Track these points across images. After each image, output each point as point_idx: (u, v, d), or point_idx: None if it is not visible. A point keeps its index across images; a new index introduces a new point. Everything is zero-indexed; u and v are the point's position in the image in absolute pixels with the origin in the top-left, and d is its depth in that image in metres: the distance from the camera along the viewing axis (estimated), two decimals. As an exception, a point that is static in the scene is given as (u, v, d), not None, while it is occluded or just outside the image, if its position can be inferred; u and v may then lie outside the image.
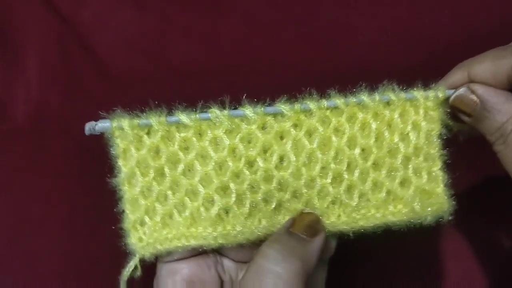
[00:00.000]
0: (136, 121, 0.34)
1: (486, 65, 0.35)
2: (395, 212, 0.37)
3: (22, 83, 0.55)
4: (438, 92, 0.37)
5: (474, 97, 0.36)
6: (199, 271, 0.38)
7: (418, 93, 0.37)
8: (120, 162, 0.35)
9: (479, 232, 0.51)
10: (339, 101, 0.36)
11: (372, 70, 0.54)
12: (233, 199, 0.35)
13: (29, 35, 0.56)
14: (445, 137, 0.39)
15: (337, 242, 0.40)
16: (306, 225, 0.37)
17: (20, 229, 0.51)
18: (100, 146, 0.50)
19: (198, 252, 0.38)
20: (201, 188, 0.35)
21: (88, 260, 0.51)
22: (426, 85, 0.38)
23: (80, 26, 0.57)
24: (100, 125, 0.34)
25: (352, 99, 0.36)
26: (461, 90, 0.37)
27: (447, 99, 0.37)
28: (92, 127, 0.34)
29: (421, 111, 0.37)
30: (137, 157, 0.35)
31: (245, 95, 0.36)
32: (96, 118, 0.50)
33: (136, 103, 0.49)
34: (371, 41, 0.55)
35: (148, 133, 0.35)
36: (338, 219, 0.37)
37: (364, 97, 0.36)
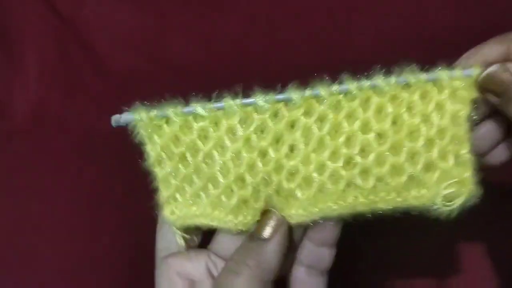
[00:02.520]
0: (153, 112, 0.36)
1: None
2: (418, 197, 0.36)
3: (22, 82, 0.55)
4: (471, 70, 0.34)
5: (509, 76, 0.33)
6: (193, 265, 0.38)
7: (443, 73, 0.35)
8: (148, 148, 0.37)
9: (484, 230, 0.51)
10: (351, 85, 0.35)
11: (372, 70, 0.54)
12: (250, 192, 0.36)
13: (28, 35, 0.56)
14: (474, 118, 0.36)
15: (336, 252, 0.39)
16: (262, 225, 0.36)
17: (20, 229, 0.51)
18: (100, 146, 0.50)
19: (194, 246, 0.39)
20: (220, 178, 0.36)
21: (88, 260, 0.51)
22: (450, 61, 0.35)
23: (79, 26, 0.57)
24: (124, 117, 0.36)
25: (366, 83, 0.35)
26: (495, 68, 0.33)
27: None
28: (118, 119, 0.37)
29: (446, 91, 0.35)
30: (161, 143, 0.37)
31: (256, 84, 0.36)
32: (96, 117, 0.51)
33: (136, 102, 0.49)
34: (371, 40, 0.55)
35: (167, 123, 0.37)
36: (355, 200, 0.36)
37: (380, 80, 0.35)
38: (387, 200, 0.36)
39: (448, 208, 0.36)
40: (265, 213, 0.37)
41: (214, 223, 0.37)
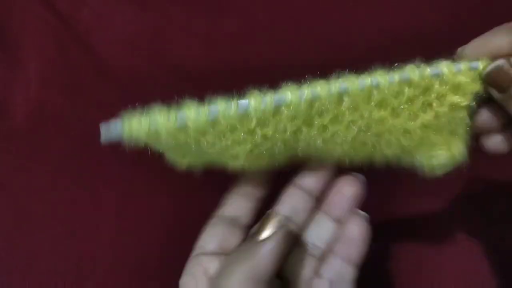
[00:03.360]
0: (144, 125, 0.34)
1: None
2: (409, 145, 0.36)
3: (22, 82, 0.55)
4: (477, 63, 0.33)
5: None
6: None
7: (446, 67, 0.33)
8: (156, 147, 0.35)
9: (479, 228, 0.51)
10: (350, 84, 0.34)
11: (373, 68, 0.54)
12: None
13: (28, 35, 0.56)
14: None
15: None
16: (262, 226, 0.36)
17: (19, 228, 0.51)
18: (100, 146, 0.49)
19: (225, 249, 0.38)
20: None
21: (88, 260, 0.51)
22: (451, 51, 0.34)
23: (79, 26, 0.57)
24: (115, 133, 0.34)
25: (367, 82, 0.34)
26: (502, 62, 0.32)
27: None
28: (108, 135, 0.34)
29: (448, 85, 0.34)
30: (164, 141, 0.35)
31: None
32: (96, 117, 0.50)
33: (136, 102, 0.49)
34: (371, 40, 0.55)
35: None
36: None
37: (382, 79, 0.34)
38: (390, 141, 0.36)
39: (434, 165, 0.36)
40: (266, 215, 0.37)
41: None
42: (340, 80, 0.35)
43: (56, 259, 0.51)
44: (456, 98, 0.34)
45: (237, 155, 0.35)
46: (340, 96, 0.34)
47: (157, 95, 0.52)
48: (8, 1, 0.57)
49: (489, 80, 0.33)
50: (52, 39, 0.56)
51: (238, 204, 0.40)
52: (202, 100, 0.35)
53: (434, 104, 0.35)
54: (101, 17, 0.57)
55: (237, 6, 0.57)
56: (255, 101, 0.34)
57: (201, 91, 0.50)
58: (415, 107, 0.35)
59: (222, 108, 0.34)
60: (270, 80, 0.57)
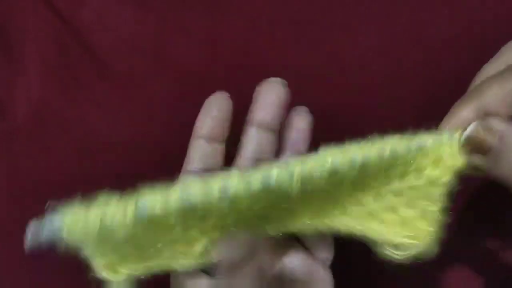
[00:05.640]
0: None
1: (496, 92, 0.31)
2: (373, 229, 0.35)
3: (22, 82, 0.55)
4: (451, 137, 0.32)
5: (490, 134, 0.31)
6: None
7: (428, 140, 0.32)
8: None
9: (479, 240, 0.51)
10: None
11: (373, 70, 0.54)
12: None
13: (28, 35, 0.56)
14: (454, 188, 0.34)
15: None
16: None
17: (19, 228, 0.51)
18: (100, 146, 0.50)
19: None
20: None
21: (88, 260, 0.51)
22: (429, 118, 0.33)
23: (80, 26, 0.57)
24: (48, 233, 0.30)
25: (356, 163, 0.32)
26: (472, 127, 0.32)
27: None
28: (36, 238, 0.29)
29: (429, 158, 0.33)
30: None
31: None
32: (96, 117, 0.50)
33: (136, 102, 0.49)
34: (372, 41, 0.55)
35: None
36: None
37: (367, 160, 0.32)
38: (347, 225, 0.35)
39: (397, 257, 0.35)
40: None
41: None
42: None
43: (56, 258, 0.50)
44: (436, 173, 0.33)
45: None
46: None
47: (157, 95, 0.52)
48: (9, 1, 0.57)
49: (467, 147, 0.32)
50: (52, 39, 0.56)
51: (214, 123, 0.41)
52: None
53: (411, 177, 0.33)
54: (101, 17, 0.57)
55: (238, 6, 0.57)
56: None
57: (201, 90, 0.50)
58: (392, 174, 0.33)
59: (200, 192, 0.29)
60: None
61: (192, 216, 0.30)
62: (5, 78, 0.55)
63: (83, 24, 0.57)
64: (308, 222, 0.36)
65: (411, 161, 0.32)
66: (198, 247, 0.33)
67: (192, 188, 0.28)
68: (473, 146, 0.32)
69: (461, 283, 0.51)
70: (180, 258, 0.33)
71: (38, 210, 0.52)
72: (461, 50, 0.47)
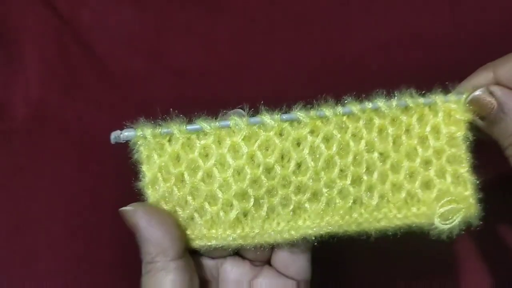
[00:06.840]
0: (158, 130, 0.36)
1: (511, 67, 0.35)
2: (418, 214, 0.37)
3: (22, 82, 0.55)
4: (461, 94, 0.37)
5: (491, 99, 0.35)
6: (185, 269, 0.37)
7: (437, 97, 0.37)
8: (143, 168, 0.37)
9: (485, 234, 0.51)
10: (354, 108, 0.36)
11: (373, 70, 0.54)
12: (251, 203, 0.37)
13: (28, 35, 0.56)
14: (473, 139, 0.37)
15: (314, 266, 0.40)
16: None
17: (19, 228, 0.51)
18: (100, 146, 0.49)
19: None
20: (220, 194, 0.36)
21: (88, 260, 0.51)
22: (446, 85, 0.37)
23: (79, 26, 0.57)
24: (125, 134, 0.36)
25: (369, 105, 0.36)
26: (478, 92, 0.36)
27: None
28: (118, 135, 0.36)
29: (440, 114, 0.37)
30: (159, 163, 0.36)
31: (262, 102, 0.36)
32: (96, 117, 0.50)
33: (136, 102, 0.49)
34: (371, 40, 0.55)
35: (169, 141, 0.36)
36: (360, 217, 0.37)
37: (381, 103, 0.36)
38: (389, 217, 0.37)
39: (447, 226, 0.37)
40: None
41: (211, 243, 0.37)
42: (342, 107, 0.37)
43: (56, 259, 0.51)
44: (451, 129, 0.37)
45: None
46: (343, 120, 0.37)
47: (156, 95, 0.52)
48: (9, 1, 0.57)
49: (471, 108, 0.36)
50: (52, 39, 0.56)
51: None
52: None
53: (431, 139, 0.37)
54: (101, 17, 0.57)
55: (237, 8, 0.57)
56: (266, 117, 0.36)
57: (200, 90, 0.50)
58: (413, 140, 0.37)
59: (233, 121, 0.36)
60: (270, 79, 0.58)
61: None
62: (4, 78, 0.55)
63: (83, 24, 0.57)
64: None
65: (424, 118, 0.37)
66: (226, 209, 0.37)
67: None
68: (476, 107, 0.36)
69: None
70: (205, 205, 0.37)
71: (38, 209, 0.52)
72: (461, 50, 0.47)
